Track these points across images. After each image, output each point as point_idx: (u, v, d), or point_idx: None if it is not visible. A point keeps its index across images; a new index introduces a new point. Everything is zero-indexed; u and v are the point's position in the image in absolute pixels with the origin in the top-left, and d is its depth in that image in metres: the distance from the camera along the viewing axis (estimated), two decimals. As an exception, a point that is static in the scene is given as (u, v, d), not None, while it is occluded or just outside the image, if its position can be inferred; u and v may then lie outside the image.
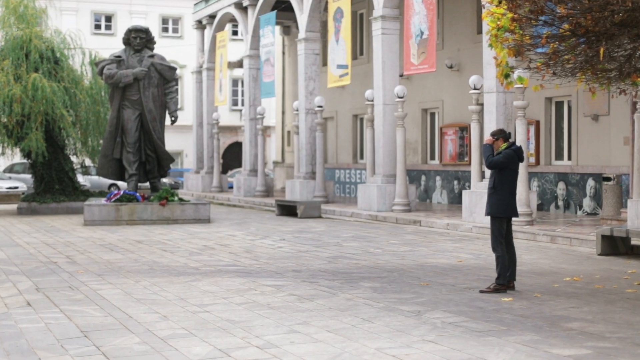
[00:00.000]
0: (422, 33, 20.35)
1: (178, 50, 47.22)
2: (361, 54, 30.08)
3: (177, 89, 22.66)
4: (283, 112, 38.36)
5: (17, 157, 29.89)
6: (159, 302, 9.26)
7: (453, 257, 13.41)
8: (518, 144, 17.19)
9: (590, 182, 20.05)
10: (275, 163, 39.21)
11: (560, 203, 20.98)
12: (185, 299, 9.49)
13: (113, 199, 20.79)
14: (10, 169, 37.25)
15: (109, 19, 48.62)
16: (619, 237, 13.39)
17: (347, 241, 15.93)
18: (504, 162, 10.00)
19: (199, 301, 9.32)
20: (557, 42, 8.87)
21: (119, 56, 22.01)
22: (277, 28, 34.93)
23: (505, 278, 9.86)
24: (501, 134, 10.20)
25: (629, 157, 16.74)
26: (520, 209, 16.99)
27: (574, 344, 7.08)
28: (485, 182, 16.73)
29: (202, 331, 7.70)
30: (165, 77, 22.05)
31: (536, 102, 21.13)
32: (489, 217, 10.27)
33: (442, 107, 25.79)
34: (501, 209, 9.99)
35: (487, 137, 10.41)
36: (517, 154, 10.09)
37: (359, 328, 7.80)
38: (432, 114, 26.72)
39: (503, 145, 10.13)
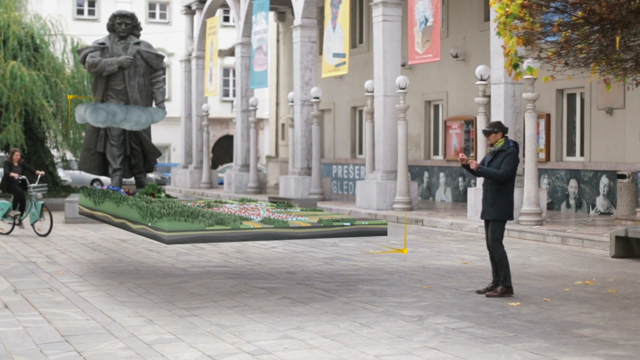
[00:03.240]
0: (426, 20, 20.36)
1: (166, 37, 47.22)
2: (360, 42, 30.09)
3: (164, 79, 22.58)
4: (277, 104, 38.36)
5: (-6, 150, 29.83)
6: (144, 305, 9.25)
7: (457, 258, 13.42)
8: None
9: (604, 180, 20.07)
10: (269, 158, 39.21)
11: (572, 202, 21.01)
12: (172, 301, 9.49)
13: (96, 195, 20.73)
14: (-13, 163, 37.20)
15: (92, 3, 48.58)
16: (634, 239, 13.38)
17: (345, 241, 15.93)
18: (515, 165, 9.92)
19: (187, 304, 9.31)
20: (569, 31, 8.87)
21: (102, 43, 21.94)
22: (271, 14, 34.94)
23: (510, 279, 9.86)
24: (500, 128, 10.06)
25: (645, 154, 16.79)
26: (529, 208, 17.04)
27: (585, 352, 7.09)
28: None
29: (190, 336, 7.70)
30: (152, 66, 21.98)
31: (547, 94, 21.15)
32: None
33: (447, 99, 25.80)
34: (508, 212, 9.92)
35: (460, 155, 9.90)
36: (518, 150, 10.06)
37: (357, 334, 7.80)
38: (436, 107, 26.74)
39: (501, 141, 10.00)
